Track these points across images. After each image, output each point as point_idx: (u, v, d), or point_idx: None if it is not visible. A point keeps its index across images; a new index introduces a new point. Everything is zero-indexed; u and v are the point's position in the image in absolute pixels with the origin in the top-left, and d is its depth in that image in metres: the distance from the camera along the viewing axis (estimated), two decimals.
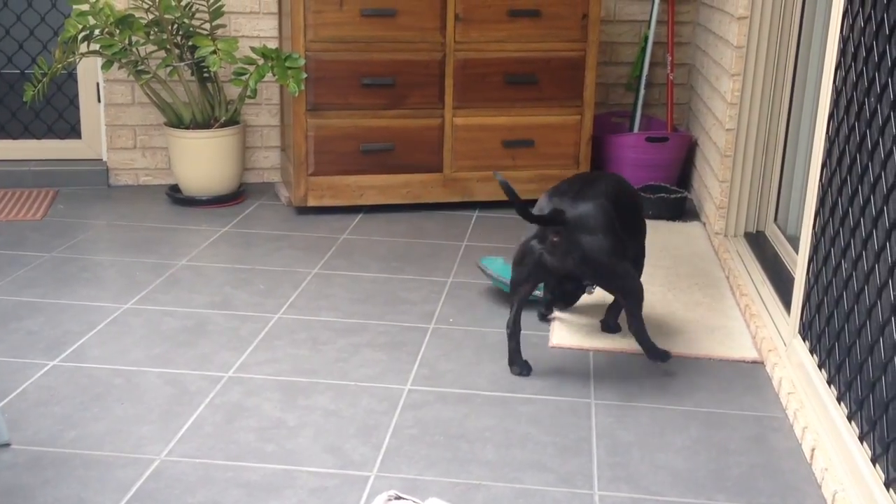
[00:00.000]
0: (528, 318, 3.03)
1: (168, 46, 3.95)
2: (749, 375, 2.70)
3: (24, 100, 3.89)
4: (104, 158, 4.37)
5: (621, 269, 2.59)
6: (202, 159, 4.04)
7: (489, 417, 2.42)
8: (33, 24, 4.60)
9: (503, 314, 3.06)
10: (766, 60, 3.53)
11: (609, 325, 2.95)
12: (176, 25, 3.99)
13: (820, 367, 2.44)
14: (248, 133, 4.40)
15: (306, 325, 2.94)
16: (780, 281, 3.15)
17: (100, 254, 3.51)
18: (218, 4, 4.01)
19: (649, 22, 4.38)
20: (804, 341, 2.59)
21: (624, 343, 2.86)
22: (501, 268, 3.14)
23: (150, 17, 3.98)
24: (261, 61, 3.86)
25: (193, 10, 4.01)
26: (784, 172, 3.57)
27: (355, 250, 3.62)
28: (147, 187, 4.36)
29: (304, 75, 3.82)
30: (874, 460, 2.02)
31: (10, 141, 4.39)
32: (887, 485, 1.94)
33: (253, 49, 3.89)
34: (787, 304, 2.88)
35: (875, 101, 2.15)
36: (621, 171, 4.16)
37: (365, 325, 2.95)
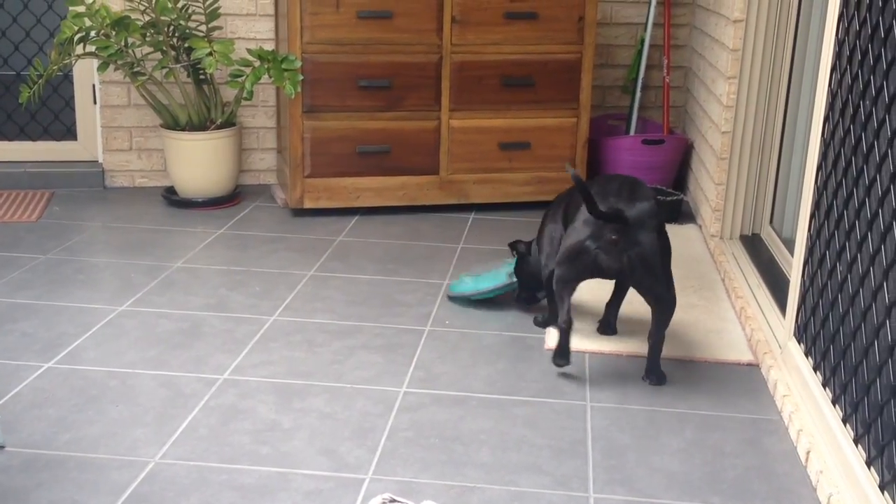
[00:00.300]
0: (524, 321, 3.03)
1: (164, 48, 3.95)
2: (744, 378, 2.70)
3: (20, 101, 3.88)
4: (100, 160, 4.37)
5: (668, 275, 2.58)
6: (198, 161, 4.04)
7: (485, 420, 2.42)
8: (29, 26, 4.59)
9: (499, 317, 3.06)
10: (762, 63, 3.54)
11: (607, 327, 2.94)
12: (172, 27, 3.98)
13: (815, 369, 2.44)
14: (245, 135, 4.39)
15: (302, 327, 2.94)
16: (776, 283, 3.15)
17: (95, 256, 3.51)
18: (214, 6, 4.01)
19: (646, 25, 4.38)
20: (799, 344, 2.59)
21: (619, 345, 2.86)
22: (472, 283, 3.14)
23: (147, 18, 3.98)
24: (257, 63, 3.86)
25: (189, 11, 4.01)
26: (780, 175, 3.57)
27: (351, 252, 3.61)
28: (143, 189, 4.35)
29: (301, 77, 3.81)
30: (869, 463, 2.02)
31: (6, 142, 4.39)
32: (882, 487, 1.94)
33: (249, 51, 3.89)
34: (782, 306, 2.88)
35: (870, 103, 2.15)
36: (617, 173, 4.16)
37: (360, 328, 2.95)
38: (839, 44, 2.39)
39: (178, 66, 3.97)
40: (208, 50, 3.82)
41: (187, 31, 4.01)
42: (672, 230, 3.92)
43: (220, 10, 4.15)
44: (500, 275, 3.08)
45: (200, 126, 4.06)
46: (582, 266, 2.56)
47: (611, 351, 2.82)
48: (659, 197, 4.02)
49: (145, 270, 3.36)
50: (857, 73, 2.25)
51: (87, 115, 4.35)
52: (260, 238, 3.75)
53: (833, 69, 2.42)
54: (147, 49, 4.05)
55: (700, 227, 3.97)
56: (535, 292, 3.09)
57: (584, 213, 2.56)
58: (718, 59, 3.79)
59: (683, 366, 2.75)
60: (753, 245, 3.60)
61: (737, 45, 3.53)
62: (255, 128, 4.41)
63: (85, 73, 4.29)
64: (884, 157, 2.05)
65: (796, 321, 2.62)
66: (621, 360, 2.79)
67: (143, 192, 4.30)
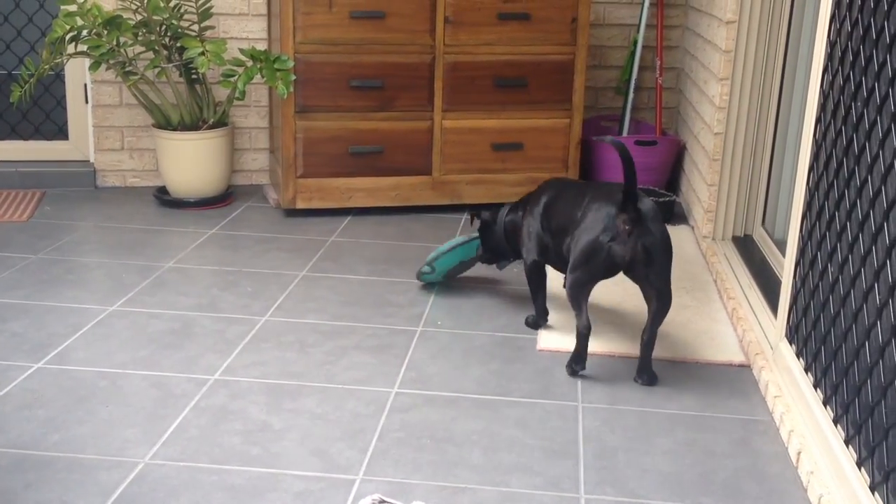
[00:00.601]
0: (516, 322, 3.03)
1: (156, 48, 3.94)
2: (736, 379, 2.70)
3: (11, 100, 3.87)
4: (91, 160, 4.36)
5: (670, 270, 2.62)
6: (190, 161, 4.03)
7: (476, 421, 2.42)
8: (21, 25, 4.57)
9: (491, 317, 3.05)
10: (755, 64, 3.54)
11: None
12: (164, 26, 3.97)
13: (806, 370, 2.44)
14: (237, 135, 4.38)
15: (293, 327, 2.93)
16: (768, 284, 3.16)
17: (86, 255, 3.50)
18: (206, 6, 4.00)
19: (639, 26, 4.39)
20: (791, 345, 2.59)
21: (611, 346, 2.86)
22: (440, 266, 3.20)
23: (139, 18, 3.97)
24: (249, 63, 3.85)
25: (182, 11, 4.00)
26: (772, 176, 3.58)
27: (343, 253, 3.61)
28: (134, 189, 4.34)
29: (293, 77, 3.81)
30: (860, 464, 2.02)
31: None
32: (872, 488, 1.94)
33: (241, 51, 3.88)
34: (774, 307, 2.89)
35: (862, 105, 2.16)
36: (610, 174, 4.17)
37: (352, 328, 2.94)
38: (831, 45, 2.39)
39: (171, 65, 3.97)
40: (200, 49, 3.81)
41: (179, 30, 4.00)
42: None
43: (213, 10, 4.14)
44: (456, 240, 3.19)
45: (192, 126, 4.05)
46: (597, 264, 2.58)
47: (602, 352, 2.82)
48: (650, 198, 4.02)
49: (136, 270, 3.35)
50: (849, 74, 2.25)
51: (79, 114, 4.34)
52: (252, 238, 3.75)
53: (825, 70, 2.43)
54: (139, 48, 4.04)
55: (692, 228, 3.97)
56: (498, 258, 3.18)
57: (594, 211, 2.60)
58: (711, 61, 3.79)
59: (675, 367, 2.75)
60: (745, 246, 3.61)
61: (729, 46, 3.54)
62: (248, 128, 4.40)
63: (77, 72, 4.28)
64: (875, 159, 2.05)
65: (788, 322, 2.63)
66: (613, 360, 2.79)
67: (134, 192, 4.29)
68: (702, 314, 3.11)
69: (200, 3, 3.98)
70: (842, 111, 2.29)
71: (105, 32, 3.85)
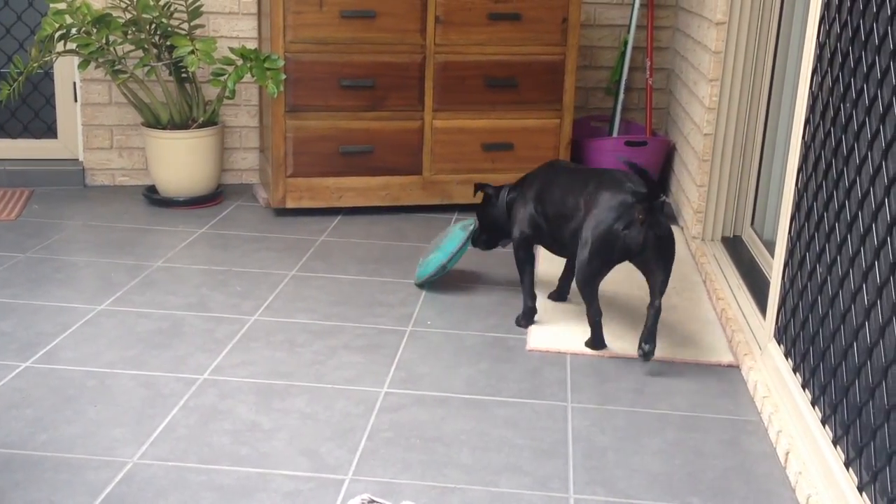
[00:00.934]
0: (506, 322, 3.03)
1: (146, 46, 3.93)
2: (724, 379, 2.71)
3: (0, 98, 3.85)
4: (80, 158, 4.34)
5: (674, 256, 2.75)
6: (180, 160, 4.02)
7: (466, 421, 2.42)
8: (10, 23, 4.55)
9: (481, 317, 3.05)
10: (744, 66, 3.55)
11: (561, 295, 3.17)
12: (154, 25, 3.96)
13: (795, 371, 2.45)
14: (227, 134, 4.37)
15: (283, 327, 2.93)
16: (757, 285, 3.17)
17: (75, 254, 3.48)
18: (196, 4, 3.99)
19: (629, 27, 4.39)
20: (779, 345, 2.60)
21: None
22: (436, 255, 3.20)
23: (128, 16, 3.96)
24: (239, 62, 3.84)
25: (172, 9, 3.99)
26: (761, 177, 3.59)
27: (333, 252, 3.60)
28: (124, 188, 4.33)
29: (284, 76, 3.80)
30: (847, 464, 2.03)
31: None
32: (860, 489, 1.95)
33: (232, 49, 3.87)
34: (762, 308, 2.89)
35: (851, 106, 2.17)
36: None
37: (342, 328, 2.94)
38: (820, 46, 2.40)
39: (160, 64, 3.95)
40: (190, 48, 3.80)
41: (169, 28, 3.99)
42: None
43: (203, 9, 4.13)
44: (454, 234, 3.19)
45: (182, 125, 4.04)
46: (612, 253, 2.68)
47: (591, 352, 2.82)
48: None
49: (125, 269, 3.34)
50: (838, 75, 2.26)
51: (68, 112, 4.32)
52: (241, 237, 3.74)
53: (814, 72, 2.43)
54: (129, 47, 4.02)
55: (682, 228, 3.98)
56: (497, 239, 3.23)
57: (606, 199, 2.67)
58: (701, 62, 3.80)
59: (664, 367, 2.76)
60: (735, 247, 3.62)
61: (719, 47, 3.55)
62: (238, 127, 4.39)
63: (66, 70, 4.26)
64: (864, 160, 2.06)
65: (776, 323, 2.63)
66: (602, 361, 2.79)
67: (123, 191, 4.27)
68: (691, 315, 3.12)
69: (190, 1, 3.97)
70: (831, 112, 2.30)
71: (94, 30, 3.83)
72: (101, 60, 3.92)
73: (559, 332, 2.95)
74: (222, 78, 3.85)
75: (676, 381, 2.68)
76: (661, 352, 2.83)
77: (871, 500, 1.89)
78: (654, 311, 2.69)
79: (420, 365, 2.71)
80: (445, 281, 3.34)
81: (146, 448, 2.23)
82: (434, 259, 3.19)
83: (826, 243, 2.27)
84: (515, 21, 3.97)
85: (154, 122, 4.04)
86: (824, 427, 2.19)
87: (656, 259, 2.69)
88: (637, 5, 4.34)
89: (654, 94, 4.58)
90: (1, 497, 2.02)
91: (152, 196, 4.11)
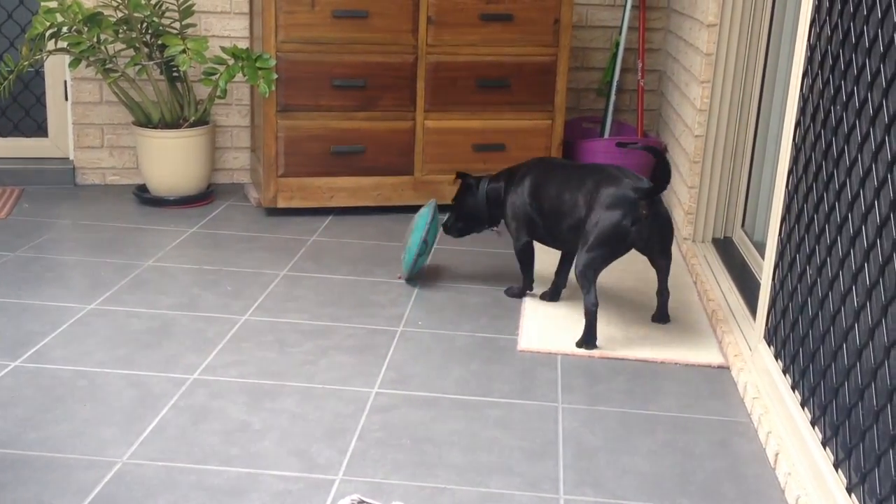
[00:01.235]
0: (497, 323, 3.03)
1: (137, 45, 3.92)
2: (715, 380, 2.71)
3: None
4: (71, 157, 4.33)
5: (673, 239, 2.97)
6: (171, 159, 4.01)
7: (456, 421, 2.42)
8: (0, 21, 4.53)
9: (471, 318, 3.05)
10: (735, 67, 3.56)
11: (555, 294, 3.20)
12: (145, 24, 3.95)
13: (784, 372, 2.46)
14: (218, 133, 4.37)
15: (273, 327, 2.92)
16: (747, 286, 3.18)
17: (65, 254, 3.47)
18: (188, 3, 3.98)
19: (621, 28, 4.40)
20: (769, 347, 2.60)
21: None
22: (413, 242, 3.23)
23: (119, 15, 3.95)
24: (231, 61, 3.83)
25: (163, 8, 3.98)
26: (752, 179, 3.59)
27: (324, 252, 3.60)
28: (114, 187, 4.31)
29: (275, 76, 3.80)
30: (836, 465, 2.04)
31: None
32: (849, 490, 1.95)
33: (223, 49, 3.86)
34: (753, 309, 2.90)
35: (841, 108, 2.17)
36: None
37: (333, 328, 2.94)
38: (811, 49, 2.41)
39: (151, 63, 3.95)
40: (182, 47, 3.79)
41: (161, 27, 3.98)
42: None
43: (194, 8, 4.12)
44: (420, 214, 3.27)
45: (173, 124, 4.03)
46: (618, 248, 2.80)
47: (582, 353, 2.83)
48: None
49: (116, 269, 3.33)
50: (829, 78, 2.27)
51: (59, 111, 4.31)
52: (232, 237, 3.73)
53: (805, 74, 2.44)
54: (120, 46, 4.01)
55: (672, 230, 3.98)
56: (472, 228, 3.30)
57: (609, 196, 2.76)
58: (692, 63, 3.81)
59: (654, 368, 2.77)
60: (725, 248, 3.63)
61: (710, 49, 3.55)
62: (229, 126, 4.38)
63: (56, 69, 4.25)
64: (854, 162, 2.07)
65: (766, 324, 2.64)
66: (593, 362, 2.79)
67: (114, 190, 4.26)
68: (681, 316, 3.12)
69: (182, 0, 3.96)
70: (821, 115, 2.30)
71: (85, 29, 3.82)
72: (92, 59, 3.91)
73: (550, 333, 2.95)
74: (214, 77, 3.85)
75: (667, 382, 2.69)
76: (651, 353, 2.83)
77: (859, 501, 1.90)
78: (664, 297, 3.00)
79: (411, 365, 2.71)
80: (436, 281, 3.34)
81: (136, 448, 2.22)
82: (412, 241, 3.22)
83: (816, 245, 2.28)
84: (507, 22, 3.98)
85: (145, 122, 4.03)
86: (814, 428, 2.20)
87: (660, 244, 2.87)
88: (629, 7, 4.35)
89: (646, 96, 4.59)
90: None
91: (143, 195, 4.10)
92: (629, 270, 3.45)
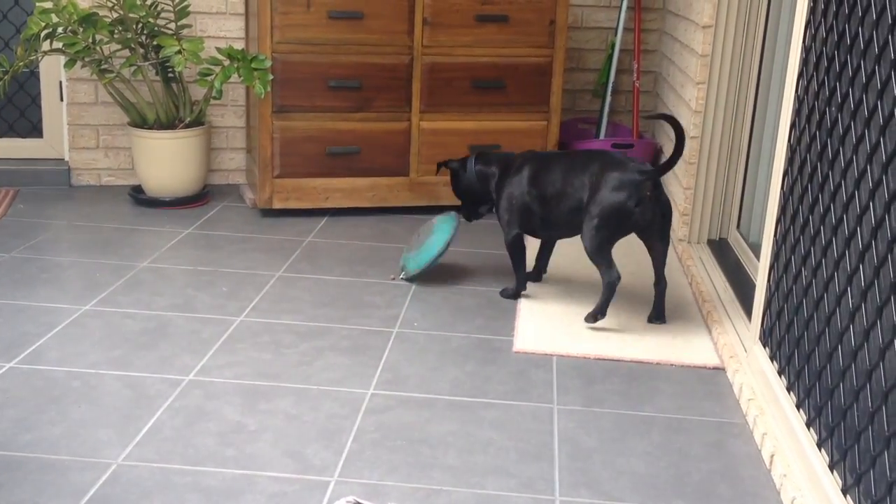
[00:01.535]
0: (492, 324, 3.03)
1: (132, 45, 3.91)
2: (710, 381, 2.72)
3: None
4: (66, 158, 4.32)
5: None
6: (166, 160, 4.00)
7: (452, 422, 2.42)
8: None
9: (467, 319, 3.05)
10: (731, 69, 3.56)
11: (538, 274, 3.35)
12: (141, 24, 3.95)
13: (780, 373, 2.46)
14: (214, 134, 4.36)
15: (269, 328, 2.92)
16: (742, 288, 3.18)
17: (60, 254, 3.47)
18: (183, 4, 3.97)
19: (616, 29, 4.40)
20: (764, 348, 2.61)
21: (587, 348, 2.86)
22: (419, 255, 3.27)
23: (115, 15, 3.94)
24: (226, 62, 3.83)
25: (159, 9, 3.97)
26: (747, 180, 3.60)
27: (320, 253, 3.60)
28: (109, 188, 4.31)
29: (271, 77, 3.79)
30: (832, 466, 2.04)
31: None
32: (844, 491, 1.96)
33: (219, 49, 3.86)
34: (748, 310, 2.91)
35: (836, 110, 2.18)
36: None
37: (328, 329, 2.93)
38: (806, 50, 2.41)
39: (147, 63, 3.94)
40: (177, 48, 3.78)
41: (156, 28, 3.97)
42: None
43: (190, 9, 4.12)
44: (442, 226, 3.28)
45: (169, 125, 4.02)
46: (623, 225, 2.89)
47: (577, 354, 2.83)
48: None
49: (111, 270, 3.33)
50: (824, 79, 2.27)
51: (54, 112, 4.30)
52: (228, 238, 3.73)
53: (800, 76, 2.45)
54: (115, 46, 4.01)
55: None
56: (477, 206, 3.35)
57: (614, 178, 2.86)
58: (688, 65, 3.81)
59: (650, 369, 2.77)
60: (721, 249, 3.63)
61: (706, 50, 3.56)
62: (225, 127, 4.38)
63: (52, 69, 4.24)
64: (849, 164, 2.07)
65: (762, 325, 2.64)
66: (588, 362, 2.79)
67: (109, 191, 4.26)
68: (677, 317, 3.12)
69: (177, 1, 3.95)
70: (816, 116, 2.31)
71: (81, 30, 3.82)
72: (87, 60, 3.90)
73: (546, 334, 2.95)
74: (209, 78, 3.84)
75: (662, 383, 2.69)
76: (646, 354, 2.84)
77: (855, 502, 1.90)
78: (661, 289, 3.03)
79: (406, 366, 2.71)
80: (432, 282, 3.34)
81: (131, 449, 2.22)
82: (434, 241, 3.25)
83: (811, 246, 2.28)
84: (503, 23, 3.98)
85: (140, 122, 4.03)
86: (809, 430, 2.20)
87: (660, 229, 2.95)
88: (624, 8, 4.35)
89: (641, 97, 4.59)
90: None
91: (138, 196, 4.10)
92: (625, 271, 3.45)
